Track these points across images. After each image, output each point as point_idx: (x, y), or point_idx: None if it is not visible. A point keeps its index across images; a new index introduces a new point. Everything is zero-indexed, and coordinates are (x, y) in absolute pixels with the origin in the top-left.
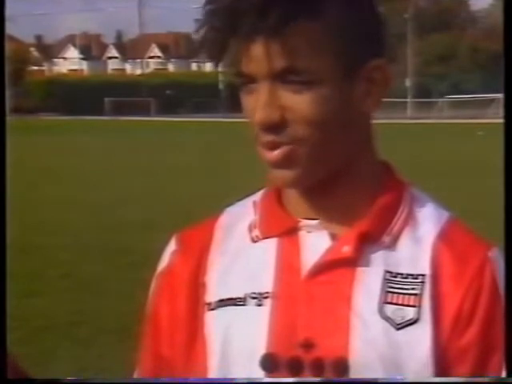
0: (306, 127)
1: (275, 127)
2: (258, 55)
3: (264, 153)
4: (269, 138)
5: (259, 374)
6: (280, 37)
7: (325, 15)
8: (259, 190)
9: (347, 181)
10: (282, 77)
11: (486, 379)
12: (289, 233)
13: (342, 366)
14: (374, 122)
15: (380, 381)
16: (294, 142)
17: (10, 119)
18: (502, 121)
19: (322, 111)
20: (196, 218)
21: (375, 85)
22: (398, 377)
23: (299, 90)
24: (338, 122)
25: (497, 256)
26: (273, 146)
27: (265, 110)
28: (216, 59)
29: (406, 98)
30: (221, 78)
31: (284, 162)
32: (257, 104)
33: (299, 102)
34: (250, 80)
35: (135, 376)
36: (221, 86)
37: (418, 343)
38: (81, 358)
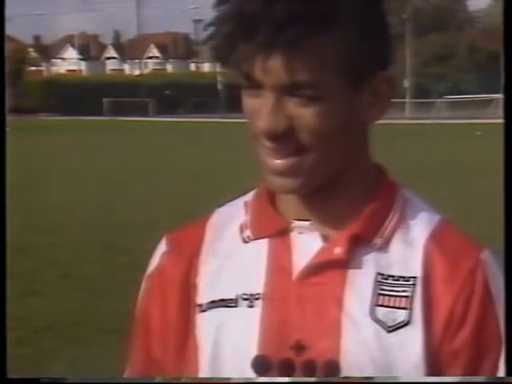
0: (311, 138)
1: (280, 136)
2: (270, 66)
3: (267, 160)
4: (273, 145)
5: (250, 375)
6: (296, 52)
7: (338, 31)
8: (251, 190)
9: (340, 183)
10: (291, 89)
11: (483, 379)
12: (280, 234)
13: (333, 367)
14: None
15: (375, 381)
16: (297, 152)
17: (8, 119)
18: (500, 121)
19: (328, 123)
20: (195, 218)
21: (381, 96)
22: (393, 376)
23: (305, 103)
24: (342, 133)
25: (488, 258)
26: (276, 155)
27: (271, 118)
28: (223, 61)
29: (404, 98)
30: (219, 78)
31: (286, 171)
32: (262, 111)
33: (304, 114)
34: (257, 86)
35: (124, 376)
36: (219, 87)
37: (410, 345)
38: (80, 357)
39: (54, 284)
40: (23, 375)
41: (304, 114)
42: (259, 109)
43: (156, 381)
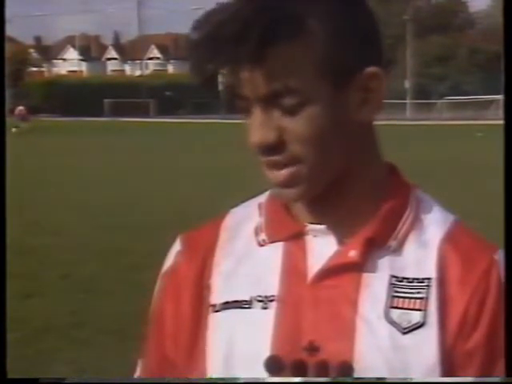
0: (305, 145)
1: (272, 148)
2: (245, 80)
3: (267, 173)
4: (268, 158)
5: (263, 376)
6: (262, 61)
7: (304, 34)
8: (262, 191)
9: (353, 185)
10: (271, 99)
11: (491, 380)
12: (295, 237)
13: (346, 369)
14: (375, 124)
15: (387, 381)
16: (295, 161)
17: (9, 120)
18: (501, 122)
19: (318, 127)
20: (195, 220)
21: (371, 93)
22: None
23: (292, 111)
24: (336, 134)
25: (502, 259)
26: (274, 166)
27: (260, 131)
28: (208, 87)
29: (405, 99)
30: (220, 79)
31: (286, 182)
32: (252, 126)
33: (293, 122)
34: (247, 102)
35: (138, 374)
36: (220, 88)
37: (425, 347)
38: (80, 358)
39: (54, 285)
40: (23, 376)
41: (291, 121)
42: (251, 125)
43: (163, 381)
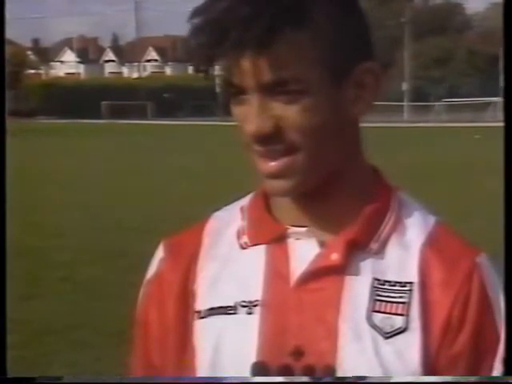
0: (299, 136)
1: (268, 138)
2: (246, 68)
3: (259, 163)
4: (262, 148)
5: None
6: (266, 50)
7: (310, 25)
8: (248, 194)
9: (335, 187)
10: (270, 88)
11: (482, 378)
12: (277, 240)
13: (331, 373)
14: (371, 125)
15: (369, 381)
16: (288, 152)
17: (7, 122)
18: (499, 124)
19: (314, 119)
20: (194, 221)
21: (366, 88)
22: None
23: (289, 101)
24: (330, 129)
25: (484, 261)
26: (267, 157)
27: (256, 120)
28: (204, 72)
29: (402, 101)
30: (218, 81)
31: (280, 173)
32: (248, 115)
33: (290, 112)
34: (241, 91)
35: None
36: (218, 90)
37: (407, 352)
38: (80, 360)
39: (54, 287)
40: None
41: (289, 111)
42: (246, 114)
43: (161, 381)
